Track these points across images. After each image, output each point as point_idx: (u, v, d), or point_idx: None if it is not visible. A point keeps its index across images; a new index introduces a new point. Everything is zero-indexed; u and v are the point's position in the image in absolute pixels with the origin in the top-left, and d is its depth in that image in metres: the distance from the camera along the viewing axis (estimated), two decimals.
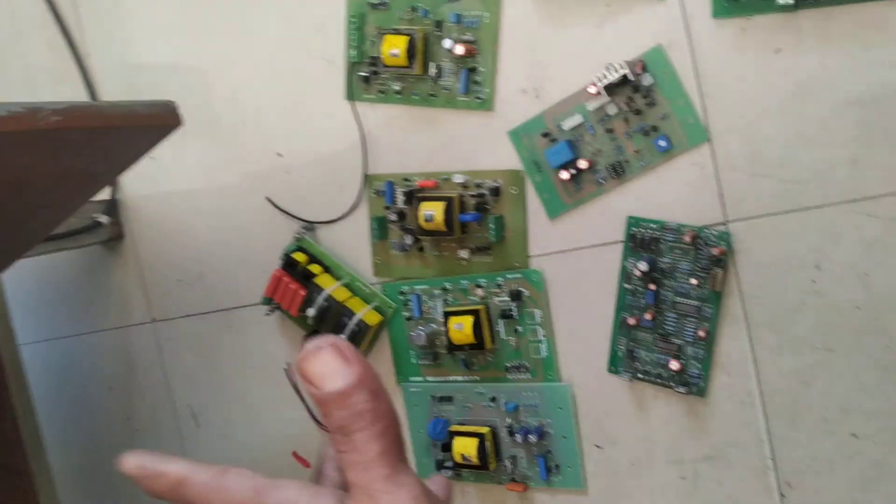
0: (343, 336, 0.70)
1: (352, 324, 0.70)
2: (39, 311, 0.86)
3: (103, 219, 0.77)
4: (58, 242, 0.74)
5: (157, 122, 0.55)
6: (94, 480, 0.88)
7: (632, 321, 0.63)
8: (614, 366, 0.65)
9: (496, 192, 0.67)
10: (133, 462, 0.31)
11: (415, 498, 0.28)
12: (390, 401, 0.28)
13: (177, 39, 0.79)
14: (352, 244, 0.73)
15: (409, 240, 0.70)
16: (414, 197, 0.68)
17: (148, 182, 0.80)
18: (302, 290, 0.72)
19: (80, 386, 0.88)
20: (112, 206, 0.79)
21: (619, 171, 0.63)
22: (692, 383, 0.62)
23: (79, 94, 0.83)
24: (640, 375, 0.64)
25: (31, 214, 0.62)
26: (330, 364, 0.27)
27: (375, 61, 0.68)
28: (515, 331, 0.68)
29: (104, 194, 0.80)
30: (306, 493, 0.30)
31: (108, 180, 0.78)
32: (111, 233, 0.79)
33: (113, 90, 0.83)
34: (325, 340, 0.28)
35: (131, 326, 0.83)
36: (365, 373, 0.27)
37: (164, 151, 0.76)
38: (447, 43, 0.65)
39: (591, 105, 0.62)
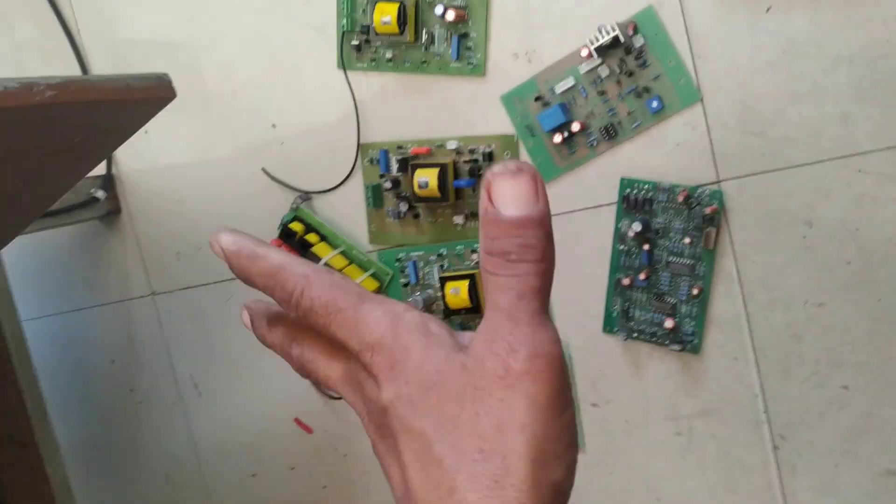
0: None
1: None
2: (40, 286, 0.87)
3: (100, 194, 0.77)
4: (56, 218, 0.75)
5: (152, 95, 0.55)
6: (100, 451, 0.89)
7: (626, 281, 0.64)
8: (609, 326, 0.66)
9: (490, 157, 0.67)
10: (230, 239, 0.30)
11: (554, 341, 0.26)
12: (554, 254, 0.27)
13: (166, 13, 0.78)
14: (348, 213, 0.74)
15: (403, 207, 0.70)
16: (408, 164, 0.69)
17: (143, 156, 0.80)
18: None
19: (83, 360, 0.88)
20: (108, 181, 0.79)
21: (611, 134, 0.63)
22: (686, 341, 0.63)
23: (70, 70, 0.83)
24: (634, 335, 0.65)
25: (27, 190, 0.62)
26: (522, 191, 0.26)
27: (367, 29, 0.68)
28: None
29: (100, 169, 0.80)
30: (417, 312, 0.29)
31: (104, 155, 0.78)
32: (108, 207, 0.79)
33: (103, 66, 0.83)
34: (526, 165, 0.26)
35: (132, 300, 0.84)
36: (548, 213, 0.26)
37: (158, 125, 0.76)
38: (438, 9, 0.65)
39: (584, 68, 0.63)
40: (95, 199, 0.77)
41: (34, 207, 0.66)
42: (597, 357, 0.67)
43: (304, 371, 0.31)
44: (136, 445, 0.88)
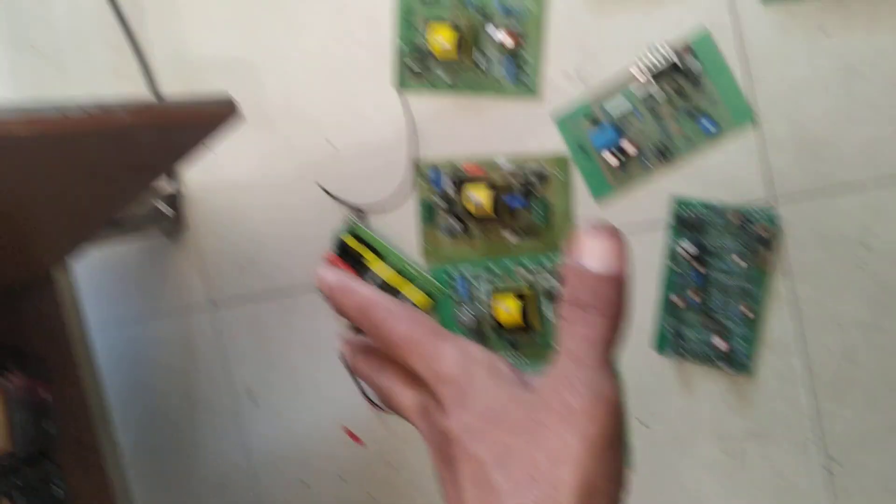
0: None
1: None
2: (108, 296, 0.90)
3: (166, 209, 0.80)
4: (124, 231, 0.78)
5: (220, 117, 0.57)
6: (157, 456, 0.92)
7: (678, 301, 0.64)
8: (660, 345, 0.66)
9: (542, 176, 0.68)
10: (333, 276, 0.34)
11: (616, 388, 0.29)
12: (628, 312, 0.30)
13: (230, 33, 0.81)
14: (401, 229, 0.75)
15: (456, 224, 0.72)
16: (461, 183, 0.70)
17: (207, 173, 0.83)
18: (353, 273, 0.74)
19: (144, 367, 0.91)
20: (174, 198, 0.82)
21: (664, 154, 0.64)
22: (738, 361, 0.63)
23: (139, 88, 0.86)
24: (685, 354, 0.65)
25: (98, 204, 0.65)
26: (611, 250, 0.29)
27: (424, 52, 0.70)
28: None
29: (167, 186, 0.83)
30: (486, 351, 0.32)
31: (172, 172, 0.81)
32: (173, 222, 0.82)
33: (170, 82, 0.86)
34: (616, 230, 0.29)
35: (191, 310, 0.87)
36: (627, 277, 0.29)
37: (222, 143, 0.79)
38: (493, 32, 0.66)
39: (637, 89, 0.63)
40: (162, 214, 0.80)
41: (101, 219, 0.69)
42: (647, 375, 0.67)
43: (386, 400, 0.35)
44: (192, 451, 0.90)
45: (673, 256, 0.64)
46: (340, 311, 0.34)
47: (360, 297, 0.33)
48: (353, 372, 0.36)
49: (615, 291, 0.29)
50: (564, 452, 0.28)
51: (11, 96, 1.01)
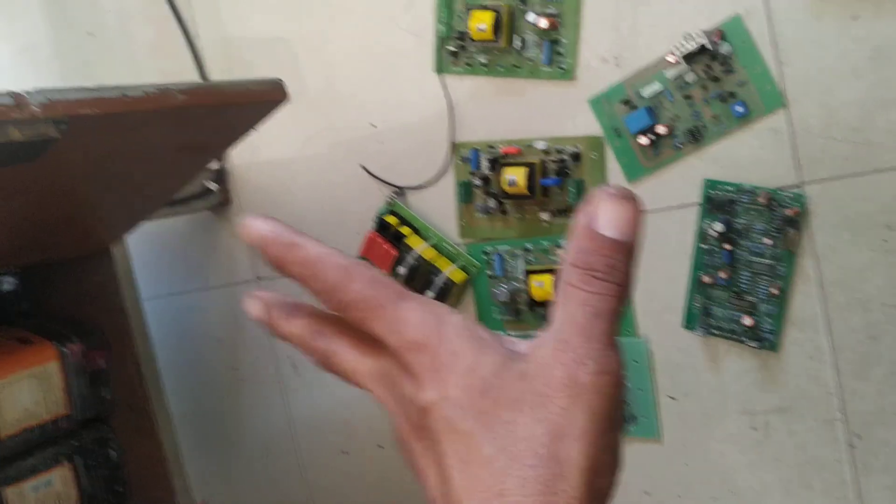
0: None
1: (439, 281, 0.75)
2: (158, 269, 0.94)
3: (213, 186, 0.84)
4: (174, 208, 0.82)
5: (267, 97, 0.60)
6: (206, 422, 0.97)
7: (707, 279, 0.66)
8: (689, 322, 0.68)
9: (577, 157, 0.70)
10: (267, 226, 0.29)
11: (620, 362, 0.27)
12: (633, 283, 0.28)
13: (274, 16, 0.84)
14: (439, 207, 0.78)
15: (492, 203, 0.74)
16: (498, 163, 0.72)
17: (252, 152, 0.86)
18: (393, 251, 0.77)
19: (192, 338, 0.96)
20: (221, 175, 0.86)
21: (696, 136, 0.65)
22: (764, 338, 0.65)
23: (185, 70, 0.89)
24: (713, 331, 0.67)
25: (155, 182, 0.69)
26: (627, 216, 0.27)
27: (463, 35, 0.72)
28: None
29: (214, 164, 0.86)
30: (460, 315, 0.28)
31: (220, 151, 0.84)
32: (220, 199, 0.86)
33: (216, 64, 0.89)
34: (635, 195, 0.27)
35: (238, 284, 0.91)
36: (637, 244, 0.27)
37: (267, 123, 0.82)
38: (531, 16, 0.68)
39: (670, 73, 0.65)
40: (209, 191, 0.84)
41: (159, 197, 0.72)
42: (676, 352, 0.69)
43: (327, 364, 0.31)
44: (238, 418, 0.95)
45: (703, 236, 0.66)
46: (279, 266, 0.29)
47: (305, 251, 0.29)
48: (276, 334, 0.31)
49: (626, 260, 0.27)
50: (570, 427, 0.26)
51: (60, 78, 1.05)
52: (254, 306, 0.32)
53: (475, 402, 0.27)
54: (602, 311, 0.27)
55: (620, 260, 0.27)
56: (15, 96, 0.44)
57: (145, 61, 0.95)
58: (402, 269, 0.77)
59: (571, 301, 0.27)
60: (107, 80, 0.52)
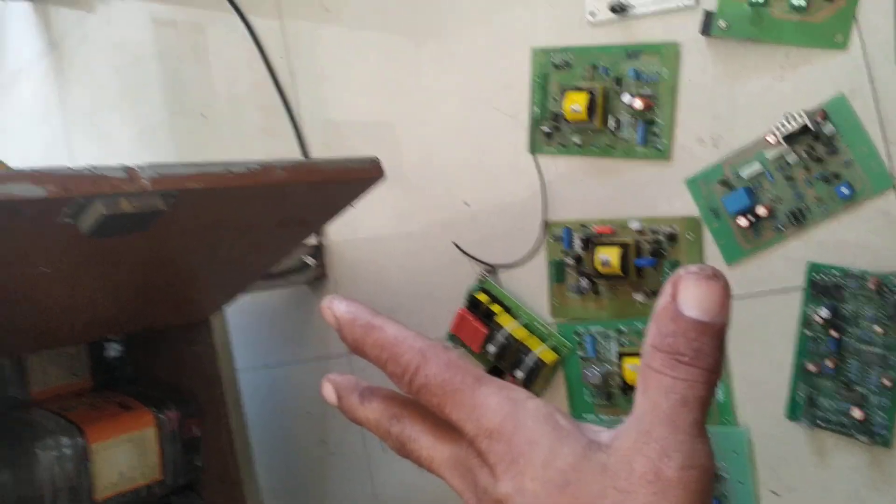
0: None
1: (529, 361, 0.74)
2: (253, 340, 0.97)
3: (310, 261, 0.86)
4: (271, 281, 0.84)
5: (364, 175, 0.62)
6: (293, 495, 0.97)
7: (812, 368, 0.63)
8: (793, 412, 0.64)
9: (672, 238, 0.69)
10: (345, 307, 0.29)
11: (710, 455, 0.25)
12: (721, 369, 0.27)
13: (373, 98, 0.87)
14: (531, 286, 0.77)
15: (585, 283, 0.73)
16: (591, 242, 0.72)
17: (348, 228, 0.88)
18: (484, 328, 0.77)
19: (283, 410, 0.97)
20: (318, 250, 0.88)
21: (799, 218, 0.63)
22: (876, 433, 0.61)
23: (290, 149, 0.93)
24: (820, 423, 0.63)
25: (256, 256, 0.71)
26: (713, 296, 0.25)
27: (557, 116, 0.73)
28: None
29: (311, 238, 0.89)
30: (540, 401, 0.27)
31: (318, 227, 0.87)
32: (316, 273, 0.88)
33: (317, 143, 0.93)
34: (721, 274, 0.26)
35: (331, 358, 0.92)
36: (726, 327, 0.26)
37: (361, 201, 0.85)
38: (626, 97, 0.68)
39: (771, 153, 0.64)
40: (306, 265, 0.86)
41: (258, 270, 0.75)
42: (779, 444, 0.65)
43: (403, 450, 0.30)
44: (324, 493, 0.94)
45: (807, 322, 0.63)
46: (357, 348, 0.29)
47: (382, 333, 0.28)
48: (352, 418, 0.31)
49: (714, 343, 0.25)
50: None
51: (175, 156, 1.12)
52: (328, 391, 0.32)
53: (553, 497, 0.25)
54: (689, 398, 0.25)
55: (708, 343, 0.25)
56: (128, 170, 0.47)
57: (254, 141, 1.00)
58: (491, 348, 0.76)
59: (654, 387, 0.25)
60: (217, 159, 0.55)
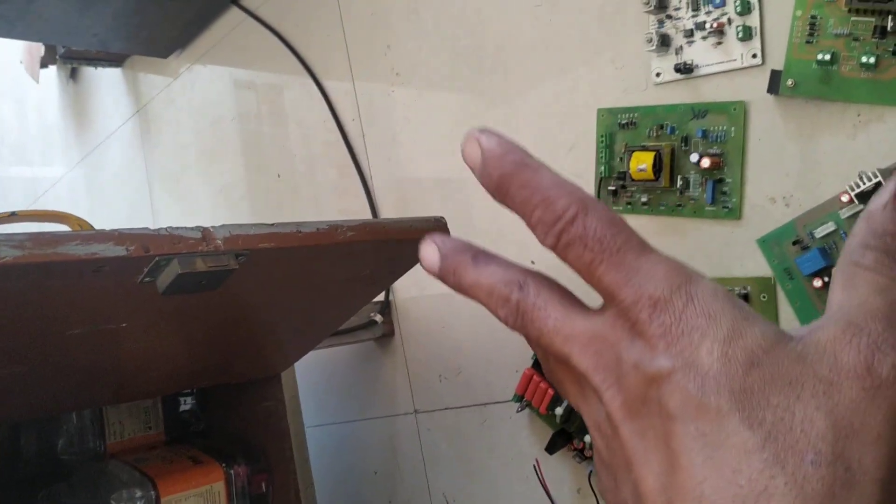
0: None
1: None
2: (320, 397, 0.98)
3: (378, 318, 0.87)
4: (340, 337, 0.85)
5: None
6: None
7: None
8: None
9: (745, 298, 0.67)
10: (496, 140, 0.25)
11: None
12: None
13: (443, 159, 0.89)
14: None
15: None
16: None
17: (415, 286, 0.89)
18: (551, 390, 0.76)
19: (349, 468, 0.97)
20: (385, 307, 0.89)
21: None
22: None
23: (362, 208, 0.96)
24: None
25: (324, 312, 0.72)
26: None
27: (623, 175, 0.73)
28: None
29: (379, 296, 0.90)
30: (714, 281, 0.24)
31: (386, 285, 0.88)
32: (384, 330, 0.89)
33: (387, 203, 0.95)
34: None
35: (397, 416, 0.92)
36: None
37: None
38: (694, 157, 0.68)
39: (845, 213, 0.62)
40: (374, 322, 0.87)
41: (327, 327, 0.76)
42: None
43: (522, 320, 0.26)
44: None
45: None
46: (500, 187, 0.25)
47: (537, 174, 0.25)
48: (459, 285, 0.27)
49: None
50: (863, 426, 0.21)
51: (250, 214, 1.16)
52: (429, 251, 0.27)
53: (736, 375, 0.21)
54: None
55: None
56: (202, 230, 0.49)
57: (327, 201, 1.03)
58: (558, 409, 0.75)
59: (864, 285, 0.23)
60: (292, 218, 0.57)
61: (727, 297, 0.23)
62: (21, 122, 1.97)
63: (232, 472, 0.81)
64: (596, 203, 0.24)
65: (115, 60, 1.46)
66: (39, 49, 1.53)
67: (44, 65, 1.57)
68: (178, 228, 0.48)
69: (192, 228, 0.49)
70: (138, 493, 0.74)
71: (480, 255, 0.26)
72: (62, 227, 0.82)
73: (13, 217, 0.71)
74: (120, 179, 1.51)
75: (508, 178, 0.25)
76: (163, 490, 0.75)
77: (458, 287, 0.26)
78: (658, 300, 0.23)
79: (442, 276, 0.27)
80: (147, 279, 0.49)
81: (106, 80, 1.53)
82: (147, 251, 0.47)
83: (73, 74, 1.65)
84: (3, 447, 0.76)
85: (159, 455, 0.82)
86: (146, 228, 0.47)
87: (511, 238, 0.83)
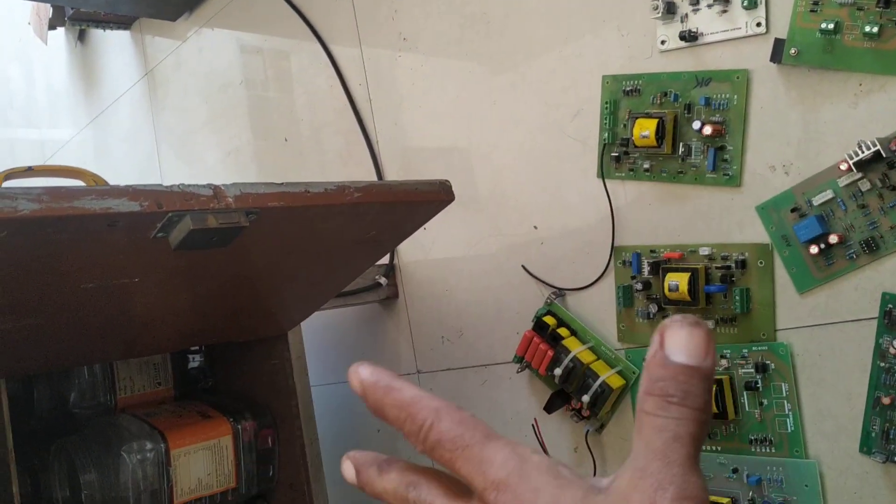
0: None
1: (595, 385, 0.75)
2: (326, 357, 1.00)
3: (382, 280, 0.89)
4: (345, 299, 0.87)
5: (435, 197, 0.64)
6: None
7: (886, 400, 0.61)
8: (866, 446, 0.63)
9: (742, 264, 0.68)
10: (368, 371, 0.31)
11: (703, 487, 0.27)
12: (710, 410, 0.28)
13: (447, 124, 0.90)
14: (598, 311, 0.78)
15: (653, 308, 0.73)
16: (659, 268, 0.72)
17: (419, 249, 0.91)
18: (550, 351, 0.78)
19: (352, 426, 0.99)
20: (390, 270, 0.91)
21: (872, 247, 0.62)
22: None
23: (368, 173, 0.97)
24: (894, 456, 0.62)
25: (331, 274, 0.74)
26: (696, 343, 0.27)
27: (626, 142, 0.74)
28: (760, 403, 0.68)
29: (384, 259, 0.92)
30: (545, 455, 0.29)
31: (391, 247, 0.90)
32: (388, 293, 0.91)
33: (393, 168, 0.96)
34: (703, 323, 0.28)
35: (401, 376, 0.94)
36: (712, 370, 0.27)
37: (434, 222, 0.87)
38: (696, 124, 0.69)
39: (843, 181, 0.63)
40: (379, 285, 0.89)
41: (333, 288, 0.77)
42: (852, 478, 0.64)
43: None
44: None
45: (881, 353, 0.62)
46: (377, 410, 0.31)
47: (400, 394, 0.30)
48: (370, 493, 0.33)
49: (700, 385, 0.27)
50: None
51: (257, 177, 1.17)
52: (347, 468, 0.33)
53: None
54: (681, 434, 0.27)
55: (696, 385, 0.27)
56: (213, 188, 0.50)
57: (333, 165, 1.04)
58: (558, 371, 0.77)
59: (647, 429, 0.27)
60: (297, 180, 0.58)
61: (549, 470, 0.28)
62: (29, 85, 1.98)
63: (239, 427, 0.83)
64: (447, 409, 0.30)
65: (123, 23, 1.46)
66: (48, 10, 1.53)
67: (52, 27, 1.57)
68: (190, 185, 0.50)
69: (203, 186, 0.50)
70: (148, 446, 0.76)
71: (384, 465, 0.33)
72: (77, 182, 0.83)
73: (29, 171, 0.72)
74: (128, 142, 1.52)
75: (381, 401, 0.31)
76: (172, 443, 0.77)
77: (372, 494, 0.33)
78: (499, 483, 0.28)
79: (360, 486, 0.33)
80: (160, 234, 0.50)
81: (114, 43, 1.53)
82: (160, 207, 0.48)
83: (82, 36, 1.65)
84: (17, 400, 0.78)
85: (168, 410, 0.84)
86: (159, 185, 0.48)
87: (513, 204, 0.84)
